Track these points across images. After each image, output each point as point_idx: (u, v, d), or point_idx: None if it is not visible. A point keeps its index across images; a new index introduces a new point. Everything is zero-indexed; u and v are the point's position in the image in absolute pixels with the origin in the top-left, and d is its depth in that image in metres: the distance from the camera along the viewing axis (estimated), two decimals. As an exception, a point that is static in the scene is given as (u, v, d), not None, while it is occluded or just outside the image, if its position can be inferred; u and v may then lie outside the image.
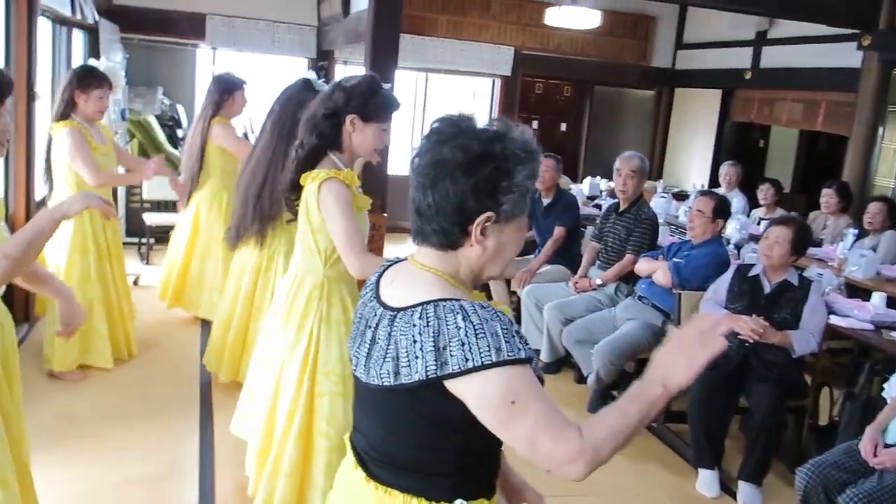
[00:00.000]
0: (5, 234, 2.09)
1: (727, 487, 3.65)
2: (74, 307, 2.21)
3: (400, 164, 10.00)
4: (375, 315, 1.39)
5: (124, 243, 7.03)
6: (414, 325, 1.29)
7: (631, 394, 1.34)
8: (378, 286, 1.45)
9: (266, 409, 2.76)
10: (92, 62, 4.14)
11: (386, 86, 2.77)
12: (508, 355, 1.24)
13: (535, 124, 10.21)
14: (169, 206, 7.16)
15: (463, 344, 1.25)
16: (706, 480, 3.64)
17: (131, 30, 7.81)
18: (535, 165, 1.36)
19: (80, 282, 3.99)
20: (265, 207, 3.57)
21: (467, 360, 1.24)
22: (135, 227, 7.08)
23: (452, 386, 1.27)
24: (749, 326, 3.60)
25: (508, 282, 5.61)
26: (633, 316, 4.40)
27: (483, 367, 1.24)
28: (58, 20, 5.78)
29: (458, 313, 1.27)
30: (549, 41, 9.25)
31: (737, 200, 6.99)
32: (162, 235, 7.20)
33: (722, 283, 3.97)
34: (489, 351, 1.24)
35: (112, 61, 6.45)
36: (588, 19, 7.59)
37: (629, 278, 4.76)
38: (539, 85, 10.38)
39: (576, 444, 1.26)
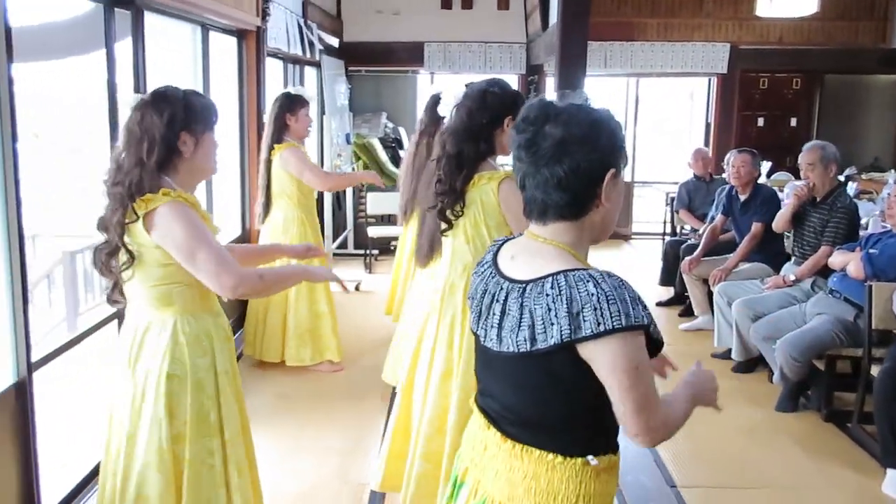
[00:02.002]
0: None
1: (918, 490, 3.35)
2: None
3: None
4: (502, 289, 1.50)
5: (351, 255, 7.89)
6: (547, 295, 1.39)
7: (684, 395, 1.59)
8: (496, 263, 1.57)
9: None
10: (289, 88, 4.72)
11: (576, 93, 2.75)
12: (636, 321, 1.35)
13: (759, 121, 9.72)
14: (392, 220, 7.86)
15: (595, 309, 1.34)
16: (894, 481, 3.37)
17: (358, 62, 8.71)
18: (620, 124, 1.54)
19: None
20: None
21: (599, 324, 1.33)
22: (360, 239, 7.84)
23: (584, 349, 1.37)
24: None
25: (705, 280, 5.50)
26: (822, 310, 4.15)
27: (614, 330, 1.33)
28: (288, 60, 6.65)
29: (588, 281, 1.37)
30: (770, 33, 8.82)
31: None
32: (385, 247, 7.94)
33: (920, 273, 3.66)
34: (619, 316, 1.33)
35: (337, 91, 7.30)
36: (805, 5, 7.17)
37: (827, 272, 4.48)
38: (763, 80, 9.85)
39: (661, 420, 1.43)
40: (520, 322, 1.43)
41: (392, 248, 8.14)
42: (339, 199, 8.06)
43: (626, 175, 9.54)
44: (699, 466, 3.61)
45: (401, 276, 4.90)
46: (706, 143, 9.24)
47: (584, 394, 1.43)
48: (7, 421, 2.58)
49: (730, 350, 4.85)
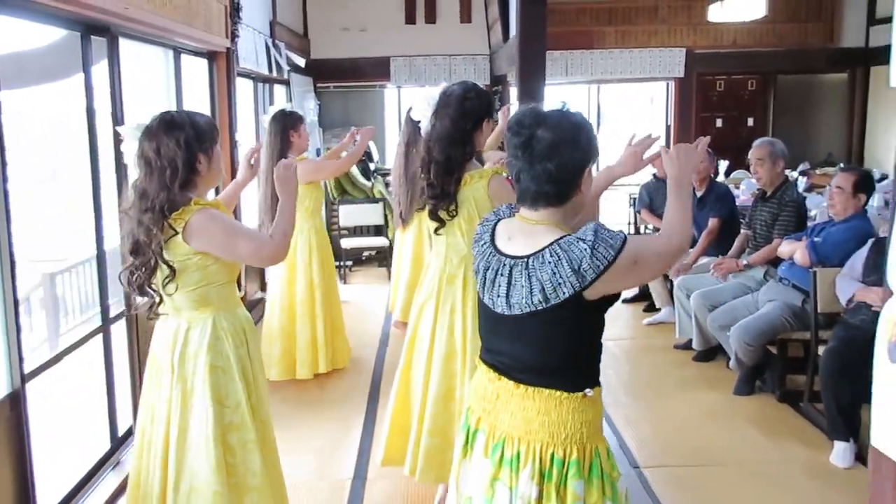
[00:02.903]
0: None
1: (862, 458, 3.59)
2: None
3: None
4: (504, 265, 1.84)
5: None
6: (549, 262, 1.74)
7: (669, 201, 1.94)
8: (495, 244, 1.90)
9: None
10: (283, 107, 4.90)
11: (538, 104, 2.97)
12: (618, 246, 1.72)
13: (718, 122, 10.05)
14: (362, 231, 8.05)
15: (591, 258, 1.70)
16: (840, 452, 3.61)
17: (326, 79, 8.91)
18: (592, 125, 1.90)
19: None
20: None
21: (598, 266, 1.70)
22: (334, 250, 7.97)
23: (593, 290, 1.73)
24: (880, 297, 3.55)
25: (666, 275, 5.74)
26: (773, 297, 4.40)
27: (609, 264, 1.70)
28: (259, 79, 6.83)
29: (577, 241, 1.73)
30: (723, 37, 9.14)
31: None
32: (357, 257, 8.12)
33: (858, 258, 3.91)
34: (608, 251, 1.71)
35: (306, 108, 7.48)
36: (754, 9, 7.48)
37: (778, 262, 4.74)
38: (720, 82, 10.21)
39: (670, 237, 1.86)
40: (531, 289, 1.76)
41: (364, 258, 8.35)
42: (312, 213, 8.23)
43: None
44: (661, 448, 3.83)
45: (401, 279, 5.02)
46: (667, 145, 9.52)
47: (583, 333, 1.82)
48: (2, 430, 2.73)
49: (691, 340, 5.09)
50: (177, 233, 2.35)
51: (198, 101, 5.29)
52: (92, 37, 3.56)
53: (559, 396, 1.82)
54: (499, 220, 1.97)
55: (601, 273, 1.70)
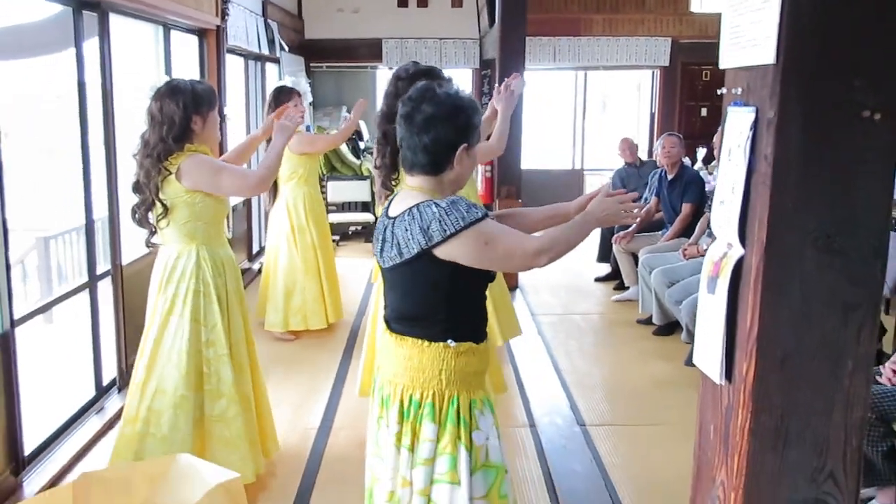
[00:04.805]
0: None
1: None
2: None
3: (547, 159, 10.44)
4: (384, 226, 2.01)
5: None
6: (404, 221, 1.92)
7: (568, 224, 2.03)
8: (388, 208, 2.07)
9: None
10: (281, 81, 5.16)
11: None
12: (471, 219, 1.86)
13: (703, 111, 10.27)
14: (349, 207, 8.31)
15: (440, 221, 1.86)
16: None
17: (320, 59, 9.14)
18: (479, 110, 2.05)
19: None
20: None
21: (445, 230, 1.85)
22: (322, 225, 8.28)
23: (441, 251, 1.87)
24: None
25: (635, 255, 6.01)
26: (724, 274, 4.67)
27: (456, 231, 1.85)
28: (250, 57, 7.07)
29: (432, 205, 1.89)
30: (709, 27, 9.33)
31: None
32: (345, 232, 8.39)
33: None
34: (458, 220, 1.85)
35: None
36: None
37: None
38: (706, 72, 10.40)
39: (537, 241, 1.92)
40: (392, 245, 1.96)
41: (351, 232, 8.63)
42: (301, 189, 8.50)
43: (576, 163, 10.08)
44: (607, 409, 4.11)
45: None
46: (651, 133, 9.77)
47: (441, 290, 1.95)
48: (-7, 369, 3.01)
49: (652, 316, 5.36)
50: (171, 173, 2.84)
51: (188, 77, 5.52)
52: (84, 12, 3.80)
53: (421, 344, 1.98)
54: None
55: (447, 237, 1.84)
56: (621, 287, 6.49)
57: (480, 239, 1.86)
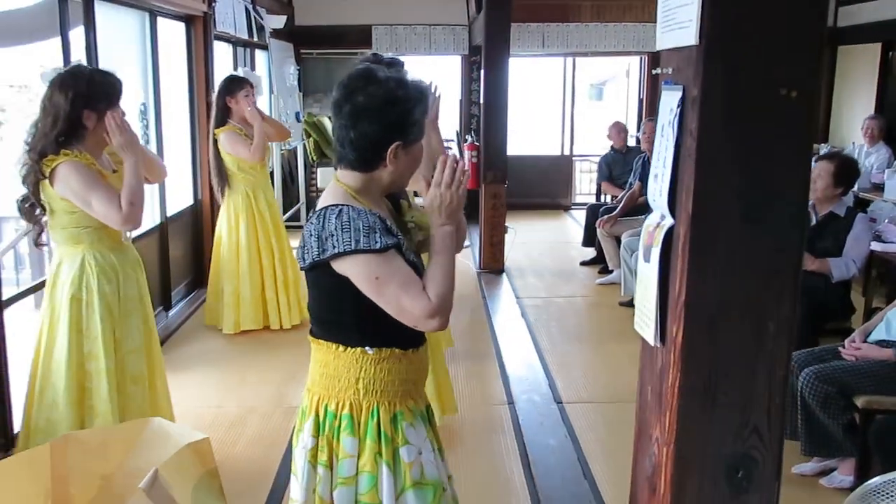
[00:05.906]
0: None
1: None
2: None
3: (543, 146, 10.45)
4: (308, 220, 1.81)
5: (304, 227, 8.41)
6: (311, 223, 1.75)
7: (433, 248, 1.79)
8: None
9: None
10: (233, 72, 5.18)
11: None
12: (364, 246, 1.67)
13: (692, 97, 10.33)
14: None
15: (333, 235, 1.68)
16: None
17: (310, 45, 9.19)
18: (427, 102, 1.79)
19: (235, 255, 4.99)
20: None
21: (335, 247, 1.68)
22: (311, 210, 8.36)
23: (336, 265, 1.71)
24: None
25: (619, 238, 6.11)
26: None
27: (346, 252, 1.67)
28: (239, 43, 7.13)
29: (335, 214, 1.70)
30: (697, 13, 9.38)
31: (878, 155, 6.89)
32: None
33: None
34: (350, 241, 1.67)
35: (286, 73, 7.77)
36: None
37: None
38: (695, 58, 10.47)
39: (428, 303, 1.68)
40: (301, 245, 1.79)
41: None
42: (291, 174, 8.58)
43: (565, 149, 10.15)
44: (584, 388, 4.22)
45: None
46: (639, 118, 9.84)
47: (348, 297, 1.74)
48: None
49: (633, 297, 5.45)
50: (45, 177, 2.59)
51: (176, 64, 5.59)
52: (69, -1, 3.87)
53: (336, 349, 1.80)
54: None
55: (337, 255, 1.68)
56: (606, 271, 6.59)
57: (371, 272, 1.69)
